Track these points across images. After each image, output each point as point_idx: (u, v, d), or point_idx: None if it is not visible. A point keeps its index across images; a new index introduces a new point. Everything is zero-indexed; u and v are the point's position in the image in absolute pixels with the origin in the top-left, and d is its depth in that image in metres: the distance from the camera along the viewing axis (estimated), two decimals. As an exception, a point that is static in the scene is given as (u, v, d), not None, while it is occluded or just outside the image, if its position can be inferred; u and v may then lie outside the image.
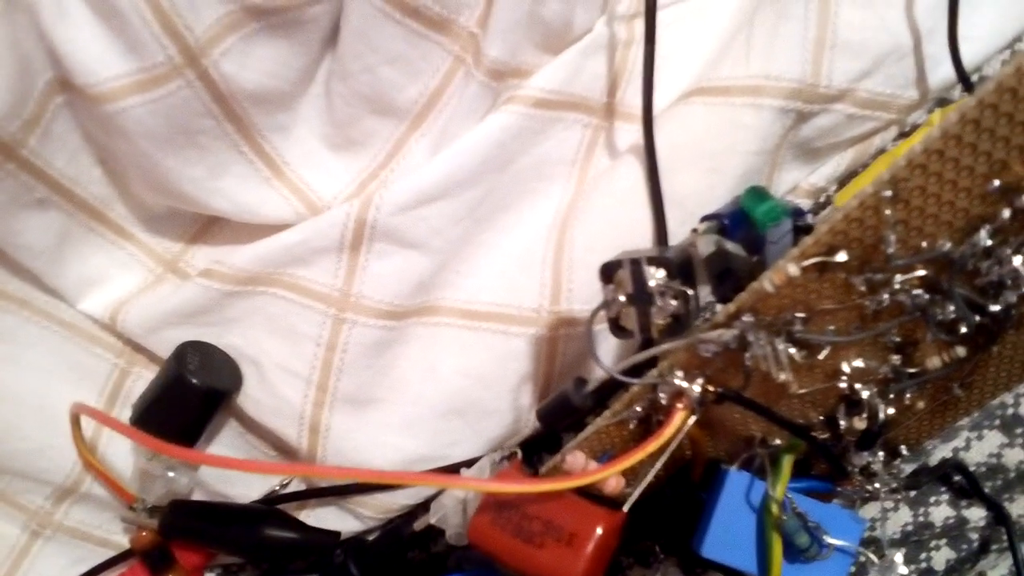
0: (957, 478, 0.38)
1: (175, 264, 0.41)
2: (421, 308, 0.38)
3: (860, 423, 0.31)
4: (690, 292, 0.29)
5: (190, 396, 0.37)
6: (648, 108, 0.36)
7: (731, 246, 0.32)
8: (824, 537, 0.30)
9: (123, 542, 0.40)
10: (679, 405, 0.29)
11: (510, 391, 0.38)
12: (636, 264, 0.29)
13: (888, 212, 0.25)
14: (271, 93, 0.36)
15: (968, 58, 0.36)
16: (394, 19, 0.35)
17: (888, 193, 0.25)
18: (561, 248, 0.37)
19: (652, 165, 0.36)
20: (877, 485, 0.34)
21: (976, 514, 0.38)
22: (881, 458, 0.33)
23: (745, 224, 0.33)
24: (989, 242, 0.26)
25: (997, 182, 0.25)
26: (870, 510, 0.38)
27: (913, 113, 0.38)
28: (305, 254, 0.37)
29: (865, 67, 0.36)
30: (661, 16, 0.37)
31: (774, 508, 0.30)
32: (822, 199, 0.39)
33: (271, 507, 0.39)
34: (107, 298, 0.40)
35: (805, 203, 0.39)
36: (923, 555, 0.39)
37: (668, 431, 0.29)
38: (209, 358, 0.38)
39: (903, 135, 0.38)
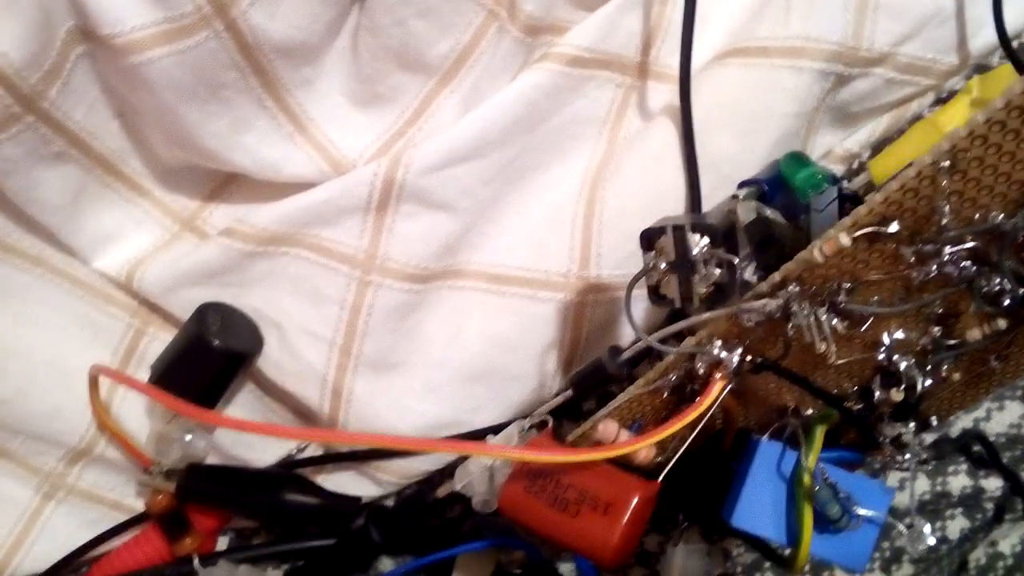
0: (977, 448, 0.38)
1: (192, 222, 0.40)
2: (447, 271, 0.38)
3: (897, 394, 0.31)
4: (734, 261, 0.29)
5: (211, 358, 0.36)
6: (686, 67, 0.35)
7: (771, 213, 0.32)
8: (854, 507, 0.30)
9: (136, 505, 0.40)
10: (717, 375, 0.29)
11: (535, 357, 0.37)
12: (680, 231, 0.28)
13: (944, 183, 0.25)
14: (298, 46, 0.35)
15: (1010, 22, 0.35)
16: None
17: (946, 163, 0.24)
18: (591, 210, 0.37)
19: (687, 127, 0.36)
20: (908, 456, 0.34)
21: (993, 484, 0.39)
22: (912, 429, 0.33)
23: (783, 190, 0.33)
24: None
25: None
26: (890, 479, 0.39)
27: (951, 79, 0.37)
28: (330, 214, 0.37)
29: (907, 30, 0.35)
30: None
31: (806, 478, 0.29)
32: (855, 165, 0.39)
33: (290, 472, 0.39)
34: (123, 256, 0.39)
35: (838, 168, 0.39)
36: (938, 523, 0.40)
37: (707, 401, 0.28)
38: (230, 320, 0.37)
39: (940, 101, 0.38)
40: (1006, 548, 0.39)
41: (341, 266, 0.37)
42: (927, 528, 0.32)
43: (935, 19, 0.36)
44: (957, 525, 0.40)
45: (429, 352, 0.38)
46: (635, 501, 0.29)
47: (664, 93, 0.39)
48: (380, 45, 0.36)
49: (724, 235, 0.29)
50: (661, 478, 0.30)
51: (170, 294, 0.38)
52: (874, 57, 0.36)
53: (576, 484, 0.29)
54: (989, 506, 0.39)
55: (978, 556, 0.39)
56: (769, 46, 0.36)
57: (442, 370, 0.38)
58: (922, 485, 0.40)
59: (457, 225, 0.37)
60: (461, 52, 0.37)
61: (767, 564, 0.41)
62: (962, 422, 0.39)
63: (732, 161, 0.35)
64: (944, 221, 0.26)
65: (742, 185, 0.33)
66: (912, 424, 0.33)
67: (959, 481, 0.39)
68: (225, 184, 0.40)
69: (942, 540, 0.40)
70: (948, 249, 0.27)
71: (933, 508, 0.40)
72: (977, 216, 0.26)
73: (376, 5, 0.35)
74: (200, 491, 0.38)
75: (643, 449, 0.30)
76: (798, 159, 0.34)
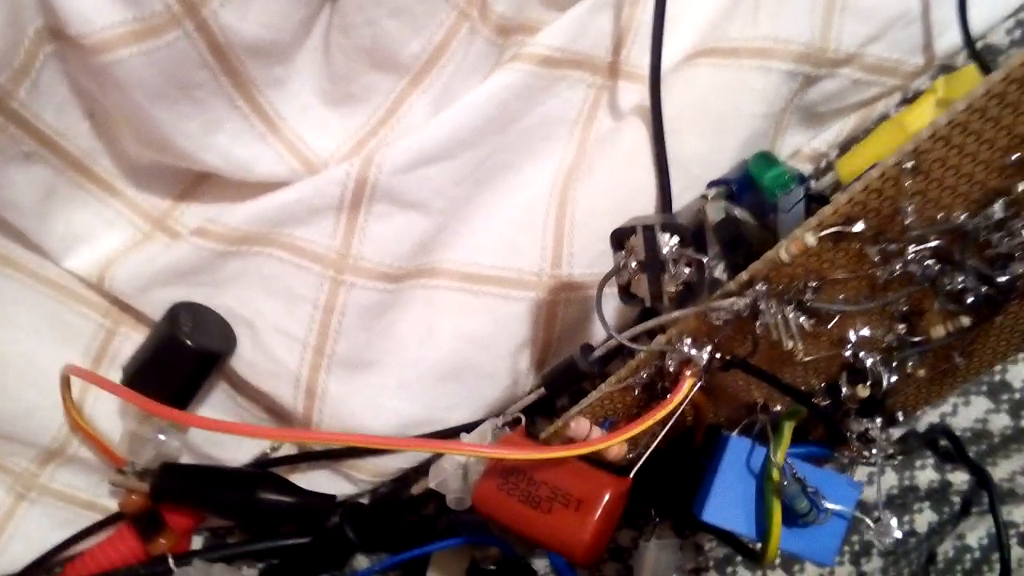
0: (943, 443, 0.39)
1: (164, 222, 0.40)
2: (420, 270, 0.38)
3: (863, 391, 0.31)
4: (704, 259, 0.29)
5: (183, 358, 0.36)
6: (656, 68, 0.36)
7: (740, 212, 0.32)
8: (823, 502, 0.30)
9: (110, 505, 0.40)
10: (687, 372, 0.29)
11: (508, 355, 0.38)
12: (649, 230, 0.29)
13: (908, 183, 0.26)
14: (269, 45, 0.35)
15: (975, 24, 0.36)
16: None
17: (910, 165, 0.25)
18: (563, 210, 0.37)
19: (658, 127, 0.36)
20: (874, 451, 0.34)
21: (959, 478, 0.40)
22: (879, 424, 0.33)
23: (752, 190, 0.34)
24: (1002, 214, 0.26)
25: (1016, 155, 0.25)
26: (858, 474, 0.39)
27: (917, 80, 0.38)
28: (303, 213, 0.37)
29: (873, 32, 0.36)
30: None
31: (775, 473, 0.30)
32: (823, 164, 0.39)
33: (264, 471, 0.39)
34: (94, 256, 0.39)
35: (806, 168, 0.39)
36: (906, 517, 0.40)
37: (677, 398, 0.29)
38: (202, 319, 0.38)
39: (906, 101, 0.38)
40: (973, 541, 0.39)
41: (314, 266, 0.37)
42: (894, 521, 0.32)
43: (901, 21, 0.36)
44: (925, 518, 0.40)
45: (403, 351, 0.38)
46: (606, 497, 0.29)
47: (635, 93, 0.39)
48: (352, 44, 0.36)
49: (693, 235, 0.29)
50: (632, 474, 0.30)
51: (142, 294, 0.38)
52: (841, 58, 0.36)
53: (548, 481, 0.30)
54: (956, 500, 0.40)
55: (946, 549, 0.39)
56: (738, 47, 0.36)
57: (416, 369, 0.38)
58: (890, 479, 0.40)
59: (430, 225, 0.38)
60: (433, 52, 0.37)
61: (739, 558, 0.41)
62: (929, 417, 0.40)
63: (702, 161, 0.36)
64: (908, 221, 0.27)
65: (711, 185, 0.34)
66: (878, 420, 0.33)
67: (926, 475, 0.40)
68: (196, 183, 0.40)
69: (910, 533, 0.40)
70: (912, 248, 0.27)
71: (901, 502, 0.40)
72: (940, 216, 0.27)
73: (348, 4, 0.35)
74: (174, 490, 0.38)
75: (615, 446, 0.31)
76: (766, 159, 0.34)
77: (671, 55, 0.38)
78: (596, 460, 0.30)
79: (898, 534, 0.33)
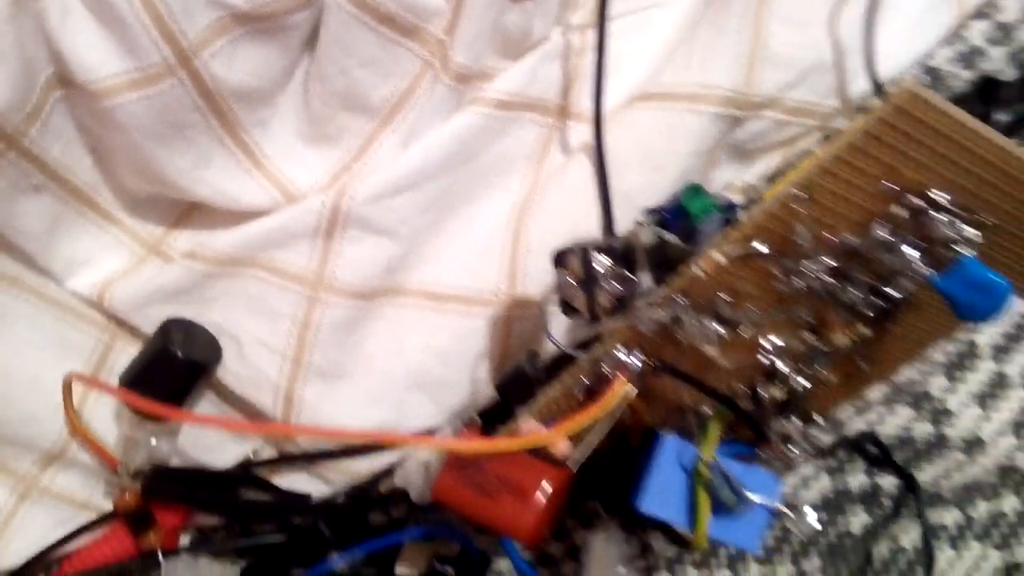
0: (872, 449, 0.40)
1: (158, 247, 0.42)
2: (389, 290, 0.41)
3: (778, 392, 0.34)
4: (631, 276, 0.32)
5: (174, 368, 0.38)
6: (598, 111, 0.39)
7: (669, 236, 0.35)
8: (745, 493, 0.32)
9: (105, 505, 0.42)
10: (620, 375, 0.32)
11: (469, 366, 0.40)
12: (584, 251, 0.32)
13: (801, 210, 0.29)
14: (254, 91, 0.38)
15: (884, 72, 0.39)
16: (369, 26, 0.37)
17: (801, 194, 0.28)
18: (518, 237, 0.40)
19: (601, 163, 0.39)
20: (795, 449, 0.36)
21: (889, 482, 0.40)
22: (797, 425, 0.35)
23: (683, 217, 0.36)
24: (885, 236, 0.29)
25: (890, 184, 0.28)
26: (793, 478, 0.41)
27: (835, 120, 0.41)
28: (283, 239, 0.39)
29: (791, 79, 0.39)
30: (611, 27, 0.39)
31: (702, 468, 0.32)
32: (753, 196, 0.42)
33: (246, 472, 0.41)
34: (95, 278, 0.41)
35: (738, 199, 0.42)
36: (841, 519, 0.40)
37: (609, 397, 0.31)
38: (192, 333, 0.40)
39: (827, 139, 0.41)
40: (907, 543, 0.39)
41: (293, 285, 0.40)
42: (812, 513, 0.35)
43: (816, 69, 0.39)
44: (859, 521, 0.40)
45: (373, 363, 0.41)
46: (547, 484, 0.31)
47: (582, 133, 0.41)
48: (327, 91, 0.39)
49: (623, 254, 0.32)
50: (574, 466, 0.32)
51: (138, 312, 0.40)
52: (763, 102, 0.39)
53: (499, 473, 0.32)
54: (887, 502, 0.40)
55: (881, 550, 0.40)
56: (672, 92, 0.39)
57: (385, 379, 0.41)
58: (824, 483, 0.41)
59: (397, 249, 0.40)
60: (400, 97, 0.39)
61: (688, 558, 0.43)
62: (857, 424, 0.41)
63: (642, 193, 0.39)
64: (802, 242, 0.29)
65: (646, 213, 0.37)
66: (797, 420, 0.35)
67: (858, 480, 0.41)
68: (188, 213, 0.42)
69: (846, 535, 0.40)
70: (810, 265, 0.30)
71: (836, 504, 0.41)
72: (831, 237, 0.30)
73: (324, 55, 0.38)
74: (164, 490, 0.40)
75: (562, 444, 0.33)
76: (695, 190, 0.36)
77: (614, 99, 0.40)
78: (549, 458, 0.33)
79: (817, 524, 0.36)
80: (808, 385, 0.34)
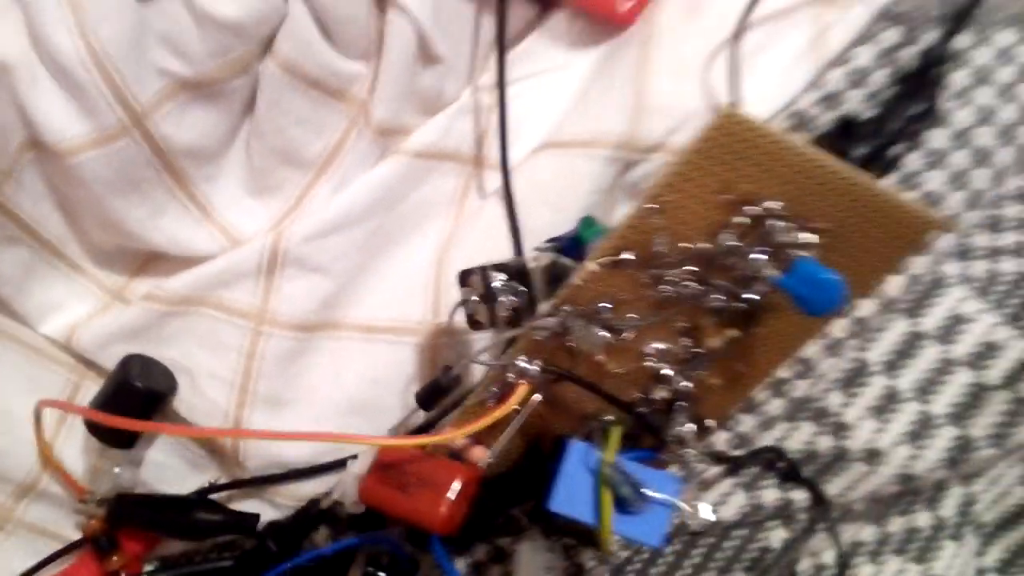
0: (780, 464, 0.41)
1: (121, 294, 0.45)
2: (327, 323, 0.43)
3: (662, 393, 0.36)
4: (524, 290, 0.36)
5: (134, 398, 0.41)
6: (504, 160, 0.43)
7: (565, 260, 0.37)
8: (645, 492, 0.34)
9: (74, 536, 0.44)
10: (521, 382, 0.35)
11: (400, 391, 0.43)
12: (483, 270, 0.36)
13: (657, 222, 0.32)
14: (201, 149, 0.41)
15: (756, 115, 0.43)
16: (300, 90, 0.40)
17: (653, 206, 0.32)
18: (440, 273, 0.43)
19: (510, 205, 0.42)
20: (690, 452, 0.38)
21: (800, 495, 0.41)
22: (689, 428, 0.38)
23: (579, 244, 0.39)
24: (732, 242, 0.32)
25: (727, 196, 0.31)
26: (711, 495, 0.42)
27: None
28: (230, 278, 0.42)
29: (674, 124, 0.41)
30: (515, 88, 0.44)
31: (605, 470, 0.34)
32: None
33: (201, 496, 0.44)
34: (64, 322, 0.44)
35: None
36: (760, 535, 0.42)
37: (511, 400, 0.34)
38: (149, 367, 0.43)
39: None
40: (828, 558, 0.42)
41: (239, 320, 0.42)
42: (705, 507, 0.36)
43: (695, 116, 0.41)
44: (778, 535, 0.42)
45: (314, 391, 0.43)
46: (457, 480, 0.35)
47: (495, 179, 0.44)
48: (267, 147, 0.42)
49: (517, 272, 0.36)
50: (483, 465, 0.36)
51: (102, 351, 0.43)
52: (650, 146, 0.41)
53: (417, 471, 0.35)
54: (802, 516, 0.42)
55: (805, 567, 0.42)
56: (570, 140, 0.42)
57: (324, 406, 0.43)
58: (740, 499, 0.42)
59: (332, 285, 0.43)
60: (331, 151, 0.42)
61: (629, 568, 0.43)
62: (764, 439, 0.42)
63: (548, 229, 0.41)
64: (660, 250, 0.32)
65: (547, 241, 0.40)
66: (689, 424, 0.38)
67: (770, 494, 0.42)
68: (147, 263, 0.46)
69: (766, 550, 0.42)
70: (671, 272, 0.33)
71: (753, 520, 0.42)
72: (685, 245, 0.32)
73: (262, 117, 0.41)
74: (127, 515, 0.42)
75: (477, 449, 0.36)
76: (590, 221, 0.40)
77: (522, 148, 0.44)
78: (464, 460, 0.36)
79: (711, 517, 0.38)
80: (691, 386, 0.37)
